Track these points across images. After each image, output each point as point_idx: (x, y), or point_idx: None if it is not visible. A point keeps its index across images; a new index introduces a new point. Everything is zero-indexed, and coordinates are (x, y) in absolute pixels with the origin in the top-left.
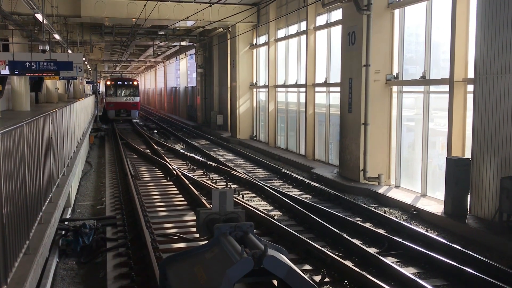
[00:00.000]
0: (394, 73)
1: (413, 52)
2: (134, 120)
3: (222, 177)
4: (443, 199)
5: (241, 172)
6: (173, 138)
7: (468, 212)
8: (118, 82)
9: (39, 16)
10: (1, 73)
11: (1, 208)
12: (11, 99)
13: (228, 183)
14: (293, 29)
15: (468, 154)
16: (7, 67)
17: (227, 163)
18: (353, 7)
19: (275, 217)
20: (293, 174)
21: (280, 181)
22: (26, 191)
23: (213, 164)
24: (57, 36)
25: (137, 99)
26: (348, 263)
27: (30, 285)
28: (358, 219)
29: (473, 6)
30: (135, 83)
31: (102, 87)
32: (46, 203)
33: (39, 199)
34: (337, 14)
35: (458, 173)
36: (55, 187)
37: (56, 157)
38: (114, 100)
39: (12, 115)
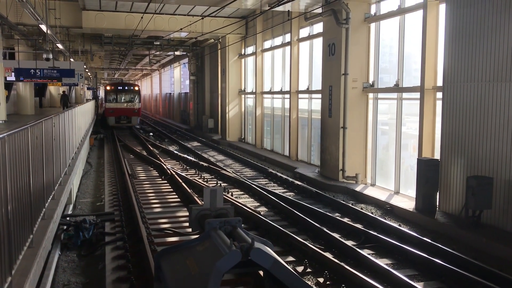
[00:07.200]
0: (370, 81)
1: (387, 62)
2: None
3: (213, 176)
4: (415, 196)
5: (231, 172)
6: (167, 140)
7: (437, 208)
8: (119, 88)
9: (43, 27)
10: (8, 79)
11: (7, 204)
12: (17, 103)
13: (219, 182)
14: (278, 40)
15: (437, 155)
16: (13, 74)
17: (217, 163)
18: (333, 21)
19: (262, 213)
20: (278, 173)
21: (266, 179)
22: (30, 189)
23: (205, 164)
24: (60, 46)
25: (138, 105)
26: (328, 255)
27: (34, 276)
28: (337, 214)
29: (442, 21)
30: (136, 88)
31: (101, 93)
32: (49, 200)
33: (42, 196)
34: (318, 27)
35: (428, 172)
36: (57, 185)
37: (58, 157)
38: (114, 106)
39: (17, 119)
